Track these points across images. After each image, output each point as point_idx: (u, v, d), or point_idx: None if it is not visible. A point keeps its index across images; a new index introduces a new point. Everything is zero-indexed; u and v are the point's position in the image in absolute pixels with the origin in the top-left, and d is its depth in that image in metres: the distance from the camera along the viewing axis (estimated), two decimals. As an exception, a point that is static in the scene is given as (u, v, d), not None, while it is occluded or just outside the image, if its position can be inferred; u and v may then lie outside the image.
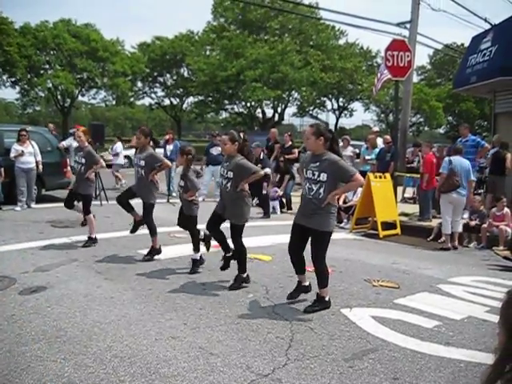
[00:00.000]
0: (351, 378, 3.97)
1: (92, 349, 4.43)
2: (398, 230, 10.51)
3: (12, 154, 12.06)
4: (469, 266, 7.94)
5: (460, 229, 9.48)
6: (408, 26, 14.68)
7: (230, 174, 6.20)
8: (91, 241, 8.45)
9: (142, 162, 7.68)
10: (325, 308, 5.51)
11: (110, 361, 4.20)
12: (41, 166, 12.42)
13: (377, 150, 13.21)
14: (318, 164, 5.33)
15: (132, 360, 4.21)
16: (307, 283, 5.77)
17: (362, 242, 9.84)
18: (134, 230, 8.02)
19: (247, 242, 6.73)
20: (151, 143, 8.02)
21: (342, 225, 11.11)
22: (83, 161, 8.48)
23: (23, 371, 4.02)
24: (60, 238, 8.75)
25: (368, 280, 6.74)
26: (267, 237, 9.30)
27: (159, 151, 10.65)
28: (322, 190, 5.29)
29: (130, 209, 7.89)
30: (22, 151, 11.97)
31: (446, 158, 9.67)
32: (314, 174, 5.34)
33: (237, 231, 6.31)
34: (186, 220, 7.18)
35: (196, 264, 7.08)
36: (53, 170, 12.80)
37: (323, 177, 5.26)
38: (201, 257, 7.18)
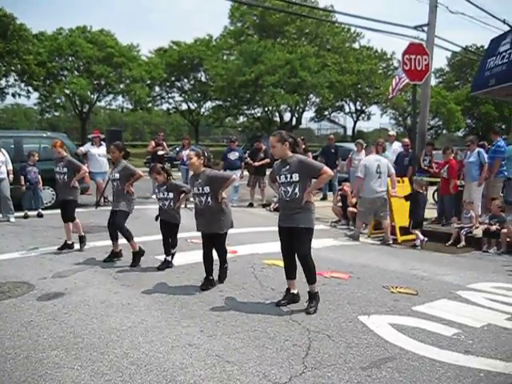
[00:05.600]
0: (369, 387, 3.92)
1: (109, 356, 4.44)
2: (417, 235, 10.39)
3: None
4: (489, 271, 7.80)
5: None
6: (425, 28, 14.58)
7: (207, 189, 6.34)
8: (67, 246, 8.74)
9: (117, 175, 7.86)
10: (318, 301, 5.76)
11: (126, 368, 4.21)
12: (12, 176, 11.62)
13: (387, 154, 13.04)
14: (288, 167, 5.63)
15: (148, 367, 4.21)
16: (296, 291, 5.96)
17: (380, 247, 9.77)
18: (108, 260, 7.96)
19: (266, 248, 6.69)
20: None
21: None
22: (65, 170, 8.59)
23: (41, 378, 4.04)
24: (78, 243, 8.77)
25: (386, 286, 6.68)
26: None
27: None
28: (297, 190, 5.58)
29: (115, 238, 8.01)
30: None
31: None
32: (286, 177, 5.63)
33: (225, 240, 6.70)
34: (173, 228, 7.63)
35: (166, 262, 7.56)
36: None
37: (295, 177, 5.57)
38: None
